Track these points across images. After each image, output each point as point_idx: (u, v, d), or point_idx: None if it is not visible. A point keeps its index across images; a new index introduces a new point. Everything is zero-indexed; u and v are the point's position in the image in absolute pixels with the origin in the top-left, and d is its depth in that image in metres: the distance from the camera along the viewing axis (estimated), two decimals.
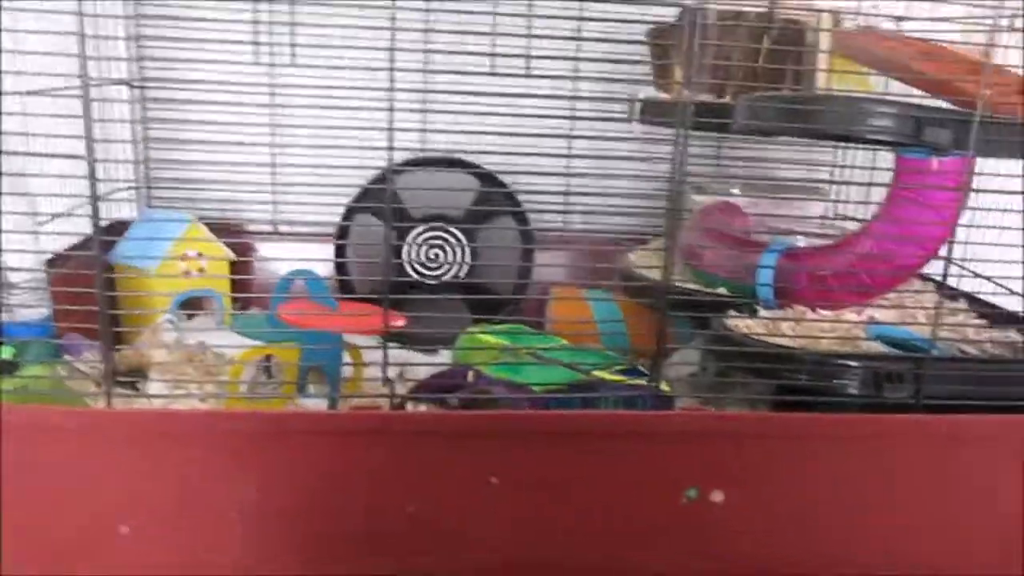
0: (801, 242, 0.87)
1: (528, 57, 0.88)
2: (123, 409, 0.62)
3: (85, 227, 0.85)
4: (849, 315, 0.75)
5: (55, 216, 0.57)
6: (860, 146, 0.94)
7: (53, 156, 0.53)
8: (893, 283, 0.75)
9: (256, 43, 0.99)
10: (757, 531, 0.65)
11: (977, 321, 0.78)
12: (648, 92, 0.96)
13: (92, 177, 0.49)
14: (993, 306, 0.80)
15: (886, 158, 0.98)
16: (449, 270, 0.98)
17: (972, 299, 0.81)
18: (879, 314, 0.75)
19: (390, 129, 0.54)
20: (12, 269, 0.63)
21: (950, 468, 0.64)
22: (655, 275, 0.88)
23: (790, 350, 0.66)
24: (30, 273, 0.67)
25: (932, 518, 0.65)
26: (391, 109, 0.54)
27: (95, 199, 0.50)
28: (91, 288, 0.56)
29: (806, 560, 0.66)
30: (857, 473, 0.63)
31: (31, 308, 0.67)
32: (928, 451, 0.63)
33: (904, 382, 0.62)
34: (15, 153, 0.53)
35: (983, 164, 0.68)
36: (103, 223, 0.85)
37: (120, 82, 0.97)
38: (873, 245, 0.73)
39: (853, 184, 1.02)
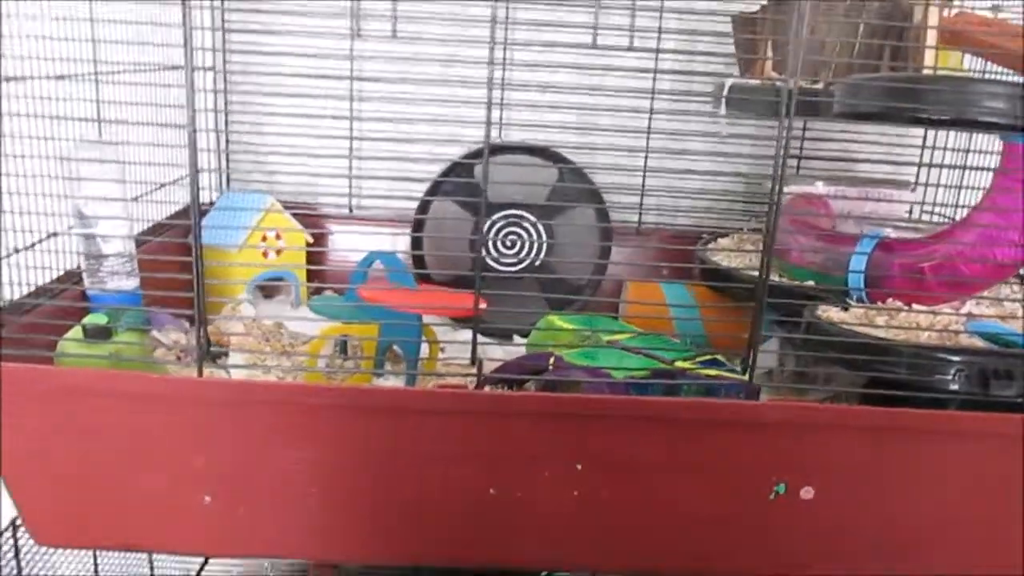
0: (892, 233, 0.84)
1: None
2: (217, 379, 0.62)
3: (170, 205, 0.87)
4: (946, 309, 0.72)
5: (161, 186, 0.57)
6: (959, 129, 0.89)
7: (158, 125, 0.53)
8: (995, 277, 0.71)
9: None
10: (848, 531, 0.63)
11: None
12: (733, 75, 0.93)
13: (193, 147, 0.49)
14: None
15: (981, 143, 0.94)
16: (526, 257, 0.97)
17: None
18: (976, 310, 0.72)
19: (488, 104, 0.53)
20: (105, 237, 0.64)
21: None
22: (737, 266, 0.87)
23: (890, 342, 0.63)
24: (122, 245, 0.67)
25: None
26: (489, 85, 0.53)
27: (195, 170, 0.50)
28: (177, 261, 0.57)
29: (900, 563, 0.64)
30: (959, 473, 0.61)
31: (123, 279, 0.68)
32: None
33: (1013, 379, 0.59)
34: (119, 122, 0.54)
35: None
36: (181, 204, 0.86)
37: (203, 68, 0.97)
38: (975, 236, 0.70)
39: (945, 167, 0.97)
